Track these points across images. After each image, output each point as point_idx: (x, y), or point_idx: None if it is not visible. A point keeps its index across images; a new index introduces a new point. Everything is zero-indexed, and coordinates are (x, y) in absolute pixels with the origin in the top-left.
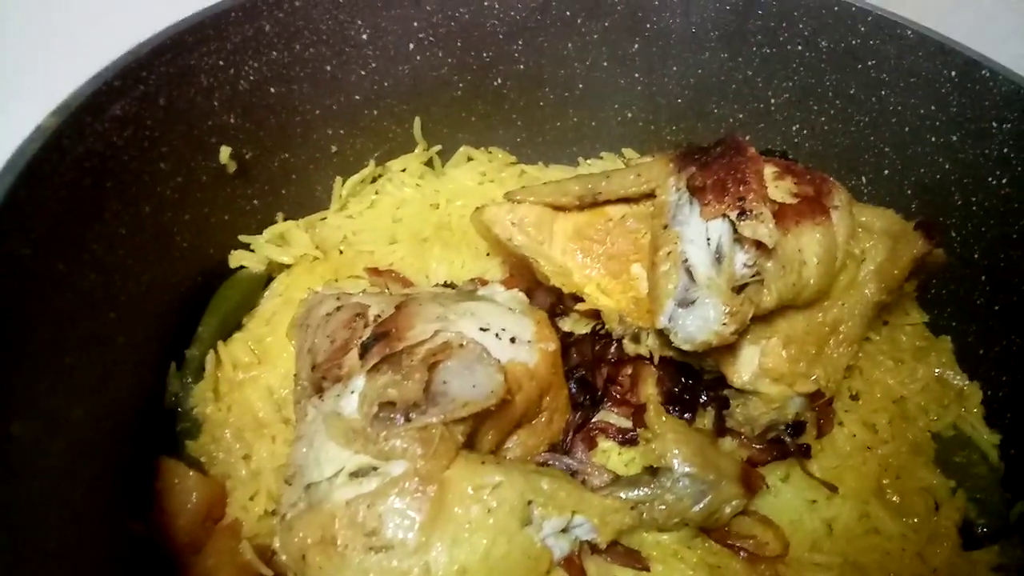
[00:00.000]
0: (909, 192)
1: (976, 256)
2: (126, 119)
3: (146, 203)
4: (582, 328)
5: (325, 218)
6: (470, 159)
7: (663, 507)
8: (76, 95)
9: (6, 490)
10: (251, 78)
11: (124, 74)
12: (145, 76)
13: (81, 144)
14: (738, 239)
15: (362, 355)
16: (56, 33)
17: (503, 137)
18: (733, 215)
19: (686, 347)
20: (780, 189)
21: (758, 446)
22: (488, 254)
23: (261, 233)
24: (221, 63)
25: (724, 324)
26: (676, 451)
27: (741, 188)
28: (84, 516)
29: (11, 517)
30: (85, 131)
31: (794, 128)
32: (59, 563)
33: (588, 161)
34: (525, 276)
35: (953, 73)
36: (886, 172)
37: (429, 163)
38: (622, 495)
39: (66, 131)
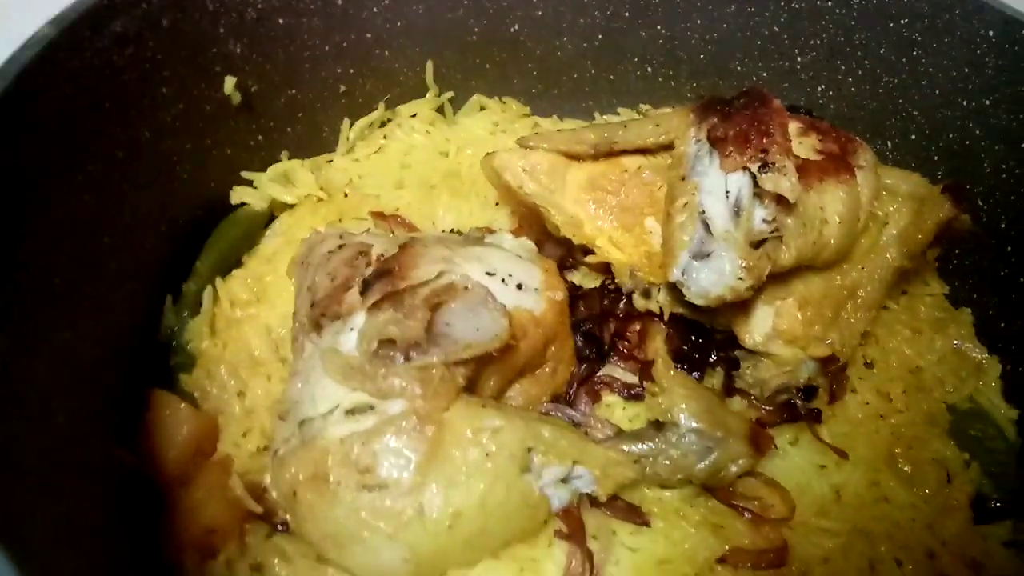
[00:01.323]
0: (936, 158)
1: (1003, 226)
2: (127, 37)
3: (145, 128)
4: (591, 283)
5: (331, 160)
6: (483, 108)
7: (667, 462)
8: (75, 7)
9: None
10: (259, 6)
11: None
12: None
13: (78, 58)
14: (758, 193)
15: (363, 292)
16: None
17: (517, 87)
18: (754, 167)
19: (699, 301)
20: (804, 146)
21: (767, 408)
22: (497, 204)
23: (264, 170)
24: None
25: (740, 279)
26: (683, 406)
27: (764, 140)
28: (68, 441)
29: None
30: (83, 45)
31: (820, 88)
32: (40, 486)
33: (604, 116)
34: (534, 227)
35: (991, 33)
36: (913, 136)
37: (440, 110)
38: (625, 448)
39: (63, 43)
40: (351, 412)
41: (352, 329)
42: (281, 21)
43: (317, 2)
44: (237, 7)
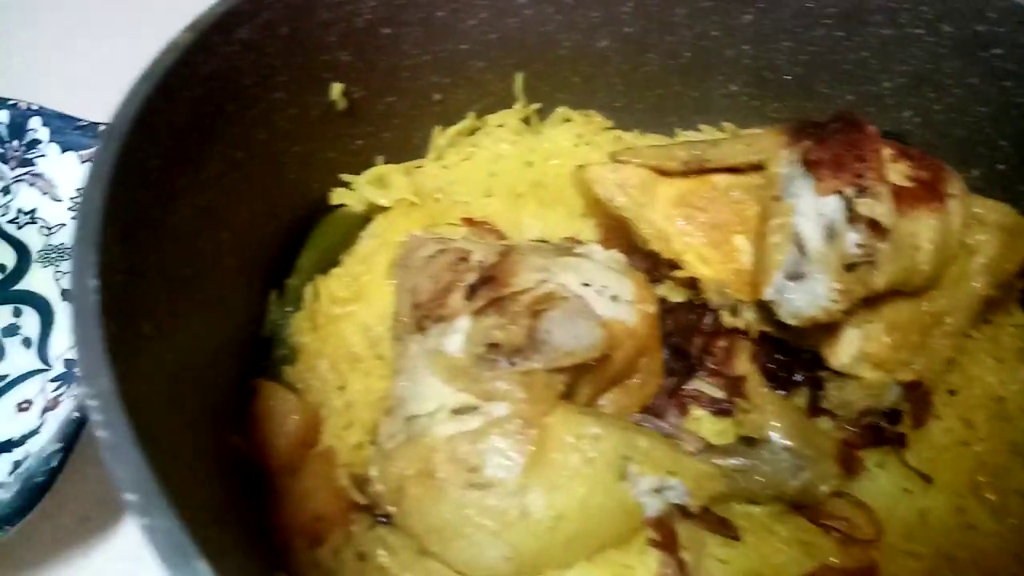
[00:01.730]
0: (1023, 188)
1: None
2: (250, 43)
3: (261, 130)
4: (676, 297)
5: (421, 166)
6: (567, 120)
7: (759, 479)
8: (208, 13)
9: (137, 385)
10: (367, 16)
11: None
12: (270, 2)
13: (209, 63)
14: (852, 218)
15: (468, 297)
16: None
17: (602, 100)
18: (850, 192)
19: (791, 321)
20: (895, 172)
21: (853, 429)
22: (583, 215)
23: (361, 174)
24: None
25: (833, 301)
26: (776, 423)
27: (859, 165)
28: (195, 425)
29: (140, 413)
30: (214, 50)
31: (905, 114)
32: (175, 464)
33: (686, 132)
34: (620, 240)
35: None
36: (1000, 166)
37: (526, 120)
38: (717, 462)
39: (197, 48)
40: (457, 412)
41: (456, 331)
42: (386, 31)
43: (420, 13)
44: (348, 17)
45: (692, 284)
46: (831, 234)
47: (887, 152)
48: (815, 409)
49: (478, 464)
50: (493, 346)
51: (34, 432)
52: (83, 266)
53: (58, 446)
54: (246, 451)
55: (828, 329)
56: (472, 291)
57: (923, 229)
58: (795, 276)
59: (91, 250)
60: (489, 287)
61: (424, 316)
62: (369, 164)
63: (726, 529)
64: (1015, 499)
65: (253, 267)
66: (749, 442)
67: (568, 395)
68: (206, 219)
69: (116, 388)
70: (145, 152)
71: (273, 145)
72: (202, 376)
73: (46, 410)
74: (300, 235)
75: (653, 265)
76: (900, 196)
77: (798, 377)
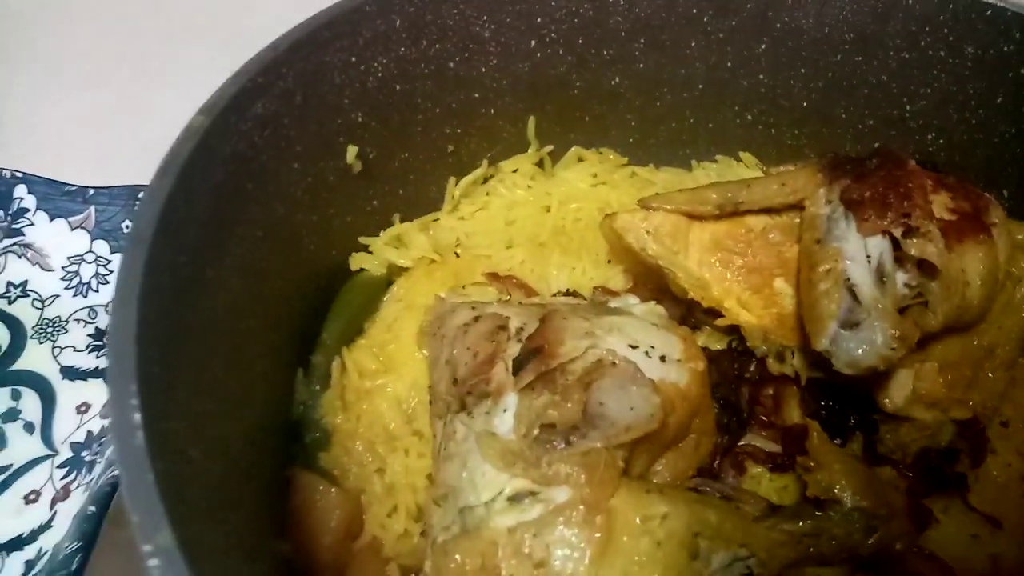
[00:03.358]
0: None
1: None
2: (266, 118)
3: (280, 204)
4: (715, 344)
5: (438, 219)
6: (580, 160)
7: (832, 542)
8: (222, 93)
9: (193, 526)
10: (379, 75)
11: (266, 70)
12: (284, 72)
13: (227, 145)
14: (899, 258)
15: (516, 372)
16: (186, 27)
17: (615, 138)
18: (897, 232)
19: (848, 371)
20: (936, 205)
21: (914, 476)
22: (609, 261)
23: (379, 235)
24: (353, 59)
25: (893, 348)
26: (844, 483)
27: (905, 204)
28: (242, 538)
29: (199, 555)
30: (231, 131)
31: (929, 137)
32: None
33: (702, 164)
34: (649, 286)
35: None
36: None
37: (539, 163)
38: (787, 527)
39: (214, 131)
40: (514, 499)
41: (505, 410)
42: (398, 87)
43: (431, 66)
44: (360, 77)
45: (732, 330)
46: (881, 277)
47: (927, 184)
48: (874, 457)
49: (544, 557)
50: (548, 426)
51: (46, 527)
52: (124, 401)
53: (76, 546)
54: (292, 556)
55: (880, 372)
56: (519, 365)
57: (971, 263)
58: (850, 324)
59: (130, 380)
60: (538, 360)
61: (467, 393)
62: (387, 224)
63: None
64: None
65: (277, 348)
66: (817, 503)
67: (625, 468)
68: (233, 309)
69: (177, 541)
70: (173, 254)
71: (292, 217)
72: (242, 482)
73: (56, 501)
74: (322, 306)
75: (688, 311)
76: (946, 231)
77: (851, 422)
